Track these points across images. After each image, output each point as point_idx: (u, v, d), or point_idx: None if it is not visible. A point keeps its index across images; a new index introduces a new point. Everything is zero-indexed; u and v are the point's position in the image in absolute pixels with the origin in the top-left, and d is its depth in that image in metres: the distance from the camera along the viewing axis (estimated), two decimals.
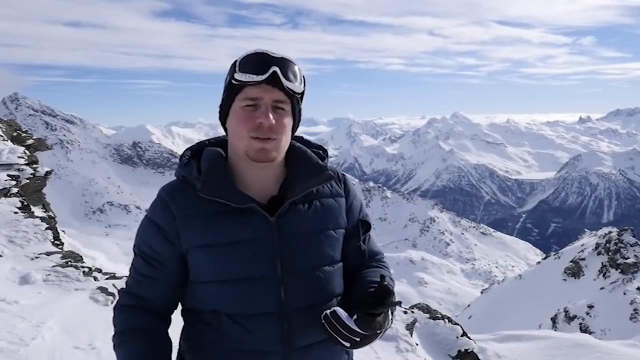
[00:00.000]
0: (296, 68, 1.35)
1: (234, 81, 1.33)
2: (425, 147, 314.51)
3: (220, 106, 1.40)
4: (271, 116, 1.30)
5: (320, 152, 1.52)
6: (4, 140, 8.91)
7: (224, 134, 1.47)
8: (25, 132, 10.34)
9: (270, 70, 1.29)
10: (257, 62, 1.30)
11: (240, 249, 1.33)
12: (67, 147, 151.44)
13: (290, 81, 1.32)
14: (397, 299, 1.31)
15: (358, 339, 1.24)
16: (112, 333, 1.45)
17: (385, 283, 1.27)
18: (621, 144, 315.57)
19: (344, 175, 1.54)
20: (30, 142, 9.63)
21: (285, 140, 1.38)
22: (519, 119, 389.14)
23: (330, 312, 1.25)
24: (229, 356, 1.37)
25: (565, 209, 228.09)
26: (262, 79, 1.29)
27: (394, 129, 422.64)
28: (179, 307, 1.50)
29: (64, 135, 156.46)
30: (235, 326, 1.35)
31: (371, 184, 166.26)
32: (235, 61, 1.34)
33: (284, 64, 1.31)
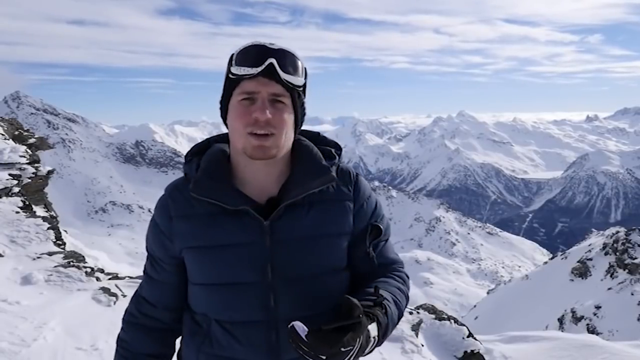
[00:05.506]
0: (296, 60, 1.27)
1: (231, 75, 1.27)
2: (430, 146, 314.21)
3: (220, 102, 1.34)
4: (267, 110, 1.23)
5: (333, 150, 1.41)
6: (5, 139, 8.90)
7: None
8: (27, 131, 10.33)
9: (267, 62, 1.22)
10: (253, 54, 1.24)
11: (230, 252, 1.28)
12: (69, 146, 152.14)
13: (288, 73, 1.25)
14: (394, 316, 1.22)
15: (324, 357, 1.05)
16: (118, 333, 1.50)
17: (353, 299, 1.11)
18: (629, 142, 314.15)
19: (356, 175, 1.42)
20: (32, 141, 9.62)
21: (287, 136, 1.30)
22: (526, 118, 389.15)
23: (290, 327, 1.09)
24: None
25: (572, 208, 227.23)
26: (257, 72, 1.22)
27: (400, 128, 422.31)
28: None
29: (66, 134, 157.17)
30: (223, 332, 1.31)
31: (376, 183, 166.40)
32: (232, 54, 1.27)
33: (281, 55, 1.24)
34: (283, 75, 1.24)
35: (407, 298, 1.40)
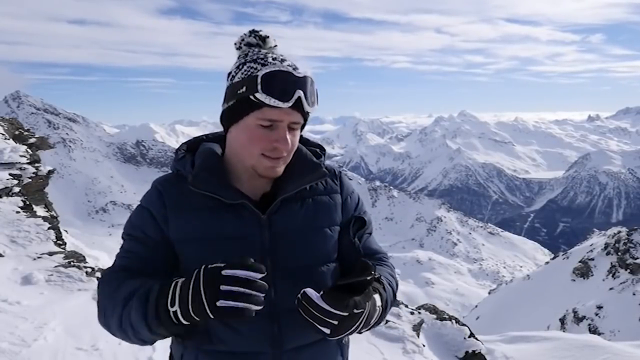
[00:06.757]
0: (315, 86, 1.29)
1: (252, 98, 1.24)
2: (432, 145, 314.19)
3: (229, 111, 1.32)
4: (289, 139, 1.27)
5: (317, 150, 1.48)
6: (5, 139, 8.92)
7: None
8: (28, 130, 10.36)
9: (295, 96, 1.23)
10: (282, 85, 1.23)
11: (229, 245, 1.29)
12: (70, 146, 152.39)
13: (310, 105, 1.28)
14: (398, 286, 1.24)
15: (336, 322, 1.09)
16: (97, 307, 1.27)
17: (366, 260, 1.20)
18: (630, 142, 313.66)
19: (340, 172, 1.51)
20: (32, 140, 9.65)
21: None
22: (527, 118, 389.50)
23: (301, 294, 1.13)
24: (217, 358, 1.31)
25: (573, 208, 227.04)
26: (287, 107, 1.23)
27: (401, 128, 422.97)
28: None
29: (67, 133, 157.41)
30: (223, 326, 1.29)
31: (377, 183, 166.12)
32: (256, 76, 1.23)
33: (306, 85, 1.25)
34: (307, 109, 1.27)
35: (397, 284, 1.44)
